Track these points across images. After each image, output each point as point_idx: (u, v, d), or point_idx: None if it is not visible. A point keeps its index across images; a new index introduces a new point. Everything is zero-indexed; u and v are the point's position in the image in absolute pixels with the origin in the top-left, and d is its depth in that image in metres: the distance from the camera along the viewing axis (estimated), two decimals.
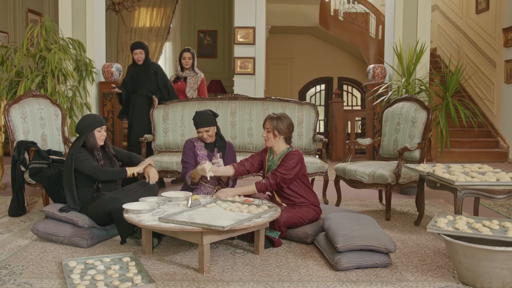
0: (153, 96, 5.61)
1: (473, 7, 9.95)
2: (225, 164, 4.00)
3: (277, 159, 3.79)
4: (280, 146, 3.80)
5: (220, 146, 4.17)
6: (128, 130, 5.91)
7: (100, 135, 3.83)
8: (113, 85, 5.98)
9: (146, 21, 11.57)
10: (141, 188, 3.91)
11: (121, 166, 4.04)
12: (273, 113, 3.81)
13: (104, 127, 3.86)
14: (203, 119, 4.06)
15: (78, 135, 3.86)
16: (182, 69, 6.19)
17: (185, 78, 6.16)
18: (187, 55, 6.12)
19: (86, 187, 3.77)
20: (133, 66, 5.80)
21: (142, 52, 5.70)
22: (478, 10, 9.75)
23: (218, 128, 4.15)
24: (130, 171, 3.84)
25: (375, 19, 10.92)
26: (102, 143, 3.87)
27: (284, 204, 3.76)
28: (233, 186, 4.17)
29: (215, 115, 4.12)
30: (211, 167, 3.73)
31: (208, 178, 3.86)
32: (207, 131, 4.07)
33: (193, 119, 4.11)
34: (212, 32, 11.91)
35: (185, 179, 4.03)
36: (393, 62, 6.49)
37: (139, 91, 5.70)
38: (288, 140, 3.81)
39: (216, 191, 4.08)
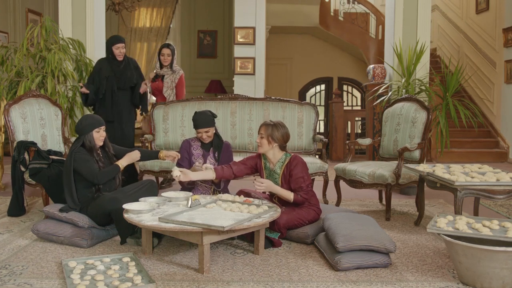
0: (144, 82, 5.38)
1: (473, 7, 9.95)
2: (219, 164, 4.01)
3: (278, 167, 3.76)
4: (275, 154, 3.76)
5: (217, 146, 4.17)
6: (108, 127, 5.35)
7: (99, 135, 3.82)
8: (81, 84, 5.36)
9: (146, 21, 11.57)
10: (141, 188, 3.91)
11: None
12: (270, 120, 3.78)
13: (103, 127, 3.85)
14: (203, 120, 4.06)
15: (77, 135, 3.86)
16: (161, 66, 5.90)
17: (163, 77, 5.87)
18: (166, 51, 5.81)
19: (86, 188, 3.76)
20: (111, 61, 5.35)
21: (124, 47, 5.35)
22: (478, 10, 9.75)
23: (216, 128, 4.16)
24: (121, 163, 3.85)
25: (375, 19, 10.92)
26: (101, 143, 3.86)
27: (283, 207, 3.75)
28: (225, 187, 4.18)
29: (214, 116, 4.12)
30: (180, 174, 3.67)
31: (177, 180, 3.77)
32: (206, 131, 4.08)
33: (192, 119, 4.11)
34: (212, 32, 11.90)
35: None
36: (393, 62, 6.49)
37: (123, 88, 5.36)
38: (282, 148, 3.77)
39: (213, 190, 4.09)
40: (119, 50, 5.33)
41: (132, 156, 3.96)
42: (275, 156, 3.76)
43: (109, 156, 3.95)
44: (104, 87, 5.32)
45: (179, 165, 4.08)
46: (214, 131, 4.14)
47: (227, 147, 4.21)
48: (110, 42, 5.37)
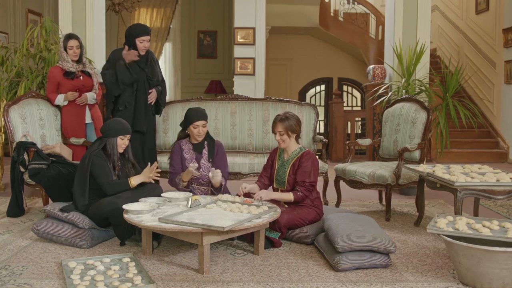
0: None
1: (473, 8, 9.95)
2: (214, 166, 4.00)
3: (291, 158, 3.78)
4: (292, 145, 3.80)
5: (211, 148, 4.08)
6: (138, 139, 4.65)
7: (122, 143, 3.77)
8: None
9: (146, 22, 11.55)
10: (143, 193, 3.79)
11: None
12: (278, 115, 3.77)
13: (128, 136, 3.80)
14: (200, 113, 4.00)
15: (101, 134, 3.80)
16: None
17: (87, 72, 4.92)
18: (74, 43, 4.74)
19: (99, 190, 3.72)
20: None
21: (149, 40, 4.50)
22: (478, 10, 9.75)
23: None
24: (133, 181, 3.71)
25: (375, 20, 10.92)
26: (122, 151, 3.81)
27: (285, 205, 3.76)
28: (225, 187, 4.16)
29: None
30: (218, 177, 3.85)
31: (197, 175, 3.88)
32: (204, 125, 4.02)
33: (188, 114, 4.02)
34: (212, 33, 11.90)
35: (175, 183, 4.01)
36: (393, 63, 6.49)
37: (153, 86, 4.68)
38: (298, 137, 3.82)
39: (211, 192, 4.06)
40: (144, 44, 4.44)
41: (146, 175, 3.73)
42: (290, 148, 3.80)
43: (126, 162, 3.88)
44: (136, 88, 4.53)
45: (173, 167, 4.05)
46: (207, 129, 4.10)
47: (219, 148, 4.11)
48: (134, 33, 4.45)
